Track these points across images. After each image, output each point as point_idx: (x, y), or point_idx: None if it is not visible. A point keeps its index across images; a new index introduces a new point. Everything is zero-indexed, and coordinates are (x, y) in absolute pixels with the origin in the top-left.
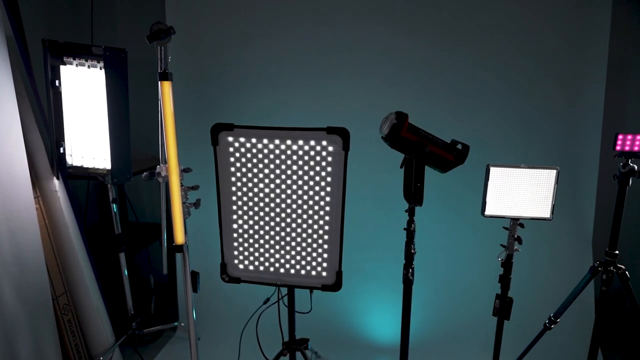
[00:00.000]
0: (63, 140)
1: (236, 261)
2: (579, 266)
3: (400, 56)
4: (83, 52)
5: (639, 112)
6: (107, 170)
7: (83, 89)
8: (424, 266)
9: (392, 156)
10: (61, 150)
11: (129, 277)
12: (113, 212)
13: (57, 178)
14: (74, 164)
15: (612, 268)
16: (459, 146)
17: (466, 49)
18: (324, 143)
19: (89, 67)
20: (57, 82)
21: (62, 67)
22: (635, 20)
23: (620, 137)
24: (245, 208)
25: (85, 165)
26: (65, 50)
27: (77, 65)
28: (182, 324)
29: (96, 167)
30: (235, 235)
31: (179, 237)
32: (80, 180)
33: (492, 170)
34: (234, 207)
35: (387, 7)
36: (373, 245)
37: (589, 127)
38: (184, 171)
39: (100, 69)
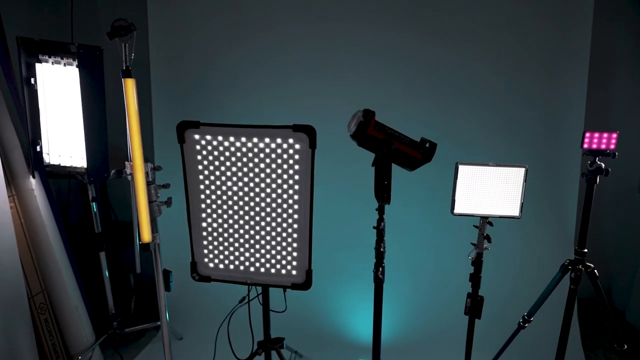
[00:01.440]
0: (40, 138)
1: (206, 260)
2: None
3: (384, 54)
4: (59, 50)
5: (621, 110)
6: (85, 169)
7: (59, 87)
8: (408, 266)
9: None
10: (38, 149)
11: (111, 276)
12: (93, 211)
13: (34, 177)
14: (52, 163)
15: (580, 267)
16: (427, 144)
17: (448, 46)
18: (291, 141)
19: (65, 65)
20: (32, 80)
21: (37, 65)
22: (618, 16)
23: (587, 134)
24: (214, 206)
25: (63, 164)
26: (40, 48)
27: (52, 63)
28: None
29: (74, 165)
30: (204, 233)
31: (146, 235)
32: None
33: (461, 168)
34: (203, 206)
35: (370, 5)
36: (357, 245)
37: (571, 124)
38: (155, 169)
39: (77, 67)
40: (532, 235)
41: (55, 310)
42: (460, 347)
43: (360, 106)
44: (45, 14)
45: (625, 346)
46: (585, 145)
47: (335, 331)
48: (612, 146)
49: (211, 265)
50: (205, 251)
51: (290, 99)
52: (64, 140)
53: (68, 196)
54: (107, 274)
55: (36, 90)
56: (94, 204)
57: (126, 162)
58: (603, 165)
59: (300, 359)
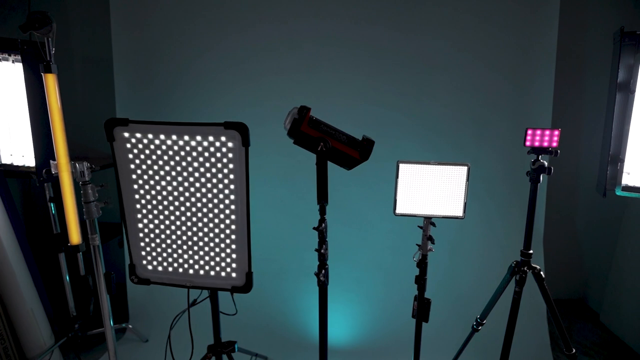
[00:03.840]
0: None
1: (144, 262)
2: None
3: (354, 51)
4: (5, 47)
5: (589, 108)
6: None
7: (7, 84)
8: (379, 266)
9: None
10: None
11: (72, 278)
12: (51, 212)
13: None
14: (3, 162)
15: (526, 268)
16: (364, 142)
17: (414, 44)
18: (223, 139)
19: (13, 62)
20: None
21: None
22: (584, 14)
23: (529, 132)
24: (149, 207)
25: (16, 163)
26: None
27: (0, 59)
28: (130, 326)
29: (27, 165)
30: (141, 235)
31: (74, 237)
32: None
33: (402, 167)
34: (138, 206)
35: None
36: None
37: (538, 123)
38: (92, 169)
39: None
40: (501, 235)
41: (9, 314)
42: (437, 349)
43: (329, 104)
44: (4, 11)
45: (574, 350)
46: (528, 143)
47: (301, 333)
48: (555, 144)
49: (150, 267)
50: (143, 253)
51: (260, 97)
52: (15, 139)
53: (22, 197)
54: (67, 274)
55: None
56: (51, 205)
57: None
58: (546, 163)
59: None
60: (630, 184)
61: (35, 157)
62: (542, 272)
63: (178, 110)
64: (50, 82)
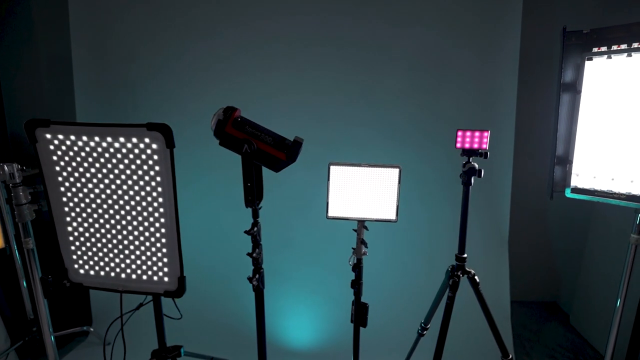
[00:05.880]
0: None
1: (76, 265)
2: (494, 266)
3: (312, 49)
4: None
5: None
6: None
7: None
8: (345, 267)
9: (311, 153)
10: None
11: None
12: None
13: None
14: None
15: (459, 273)
16: (290, 143)
17: (375, 43)
18: (147, 140)
19: None
20: None
21: None
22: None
23: (459, 133)
24: (77, 210)
25: None
26: None
27: None
28: (92, 329)
29: None
30: (71, 238)
31: None
32: None
33: (332, 169)
34: (66, 209)
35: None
36: (288, 246)
37: (502, 123)
38: (23, 170)
39: None
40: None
41: None
42: (397, 351)
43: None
44: None
45: (511, 356)
46: (458, 145)
47: (268, 335)
48: (485, 145)
49: (82, 271)
50: (75, 257)
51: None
52: None
53: None
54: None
55: None
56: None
57: None
58: (477, 165)
59: None
60: (580, 185)
61: None
62: (476, 277)
63: (143, 111)
64: None
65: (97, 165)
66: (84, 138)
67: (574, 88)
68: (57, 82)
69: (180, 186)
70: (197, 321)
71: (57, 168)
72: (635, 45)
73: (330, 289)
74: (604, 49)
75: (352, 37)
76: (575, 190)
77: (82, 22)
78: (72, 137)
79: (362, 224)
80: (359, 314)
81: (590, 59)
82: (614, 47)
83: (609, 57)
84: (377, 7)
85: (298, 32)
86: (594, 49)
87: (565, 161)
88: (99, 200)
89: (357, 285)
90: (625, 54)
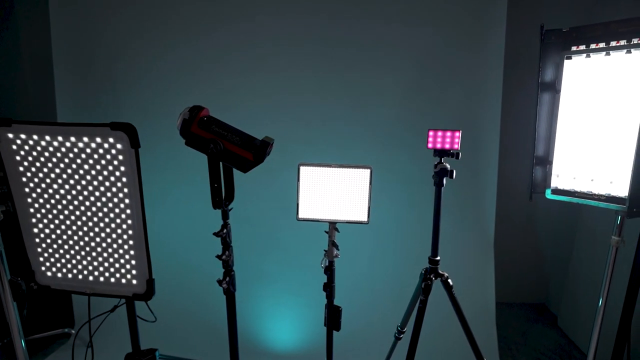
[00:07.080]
0: None
1: (43, 268)
2: (480, 269)
3: (298, 49)
4: None
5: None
6: None
7: None
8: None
9: (290, 154)
10: None
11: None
12: None
13: None
14: None
15: (432, 276)
16: (258, 143)
17: (359, 42)
18: (111, 140)
19: None
20: None
21: None
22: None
23: (431, 133)
24: (43, 211)
25: None
26: None
27: None
28: (73, 331)
29: None
30: (37, 240)
31: None
32: None
33: (302, 169)
34: (32, 210)
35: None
36: (271, 247)
37: (487, 124)
38: None
39: None
40: (452, 238)
41: None
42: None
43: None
44: None
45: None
46: (430, 145)
47: (249, 338)
48: (456, 146)
49: (49, 274)
50: (41, 259)
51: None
52: None
53: None
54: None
55: None
56: None
57: None
58: (448, 166)
59: None
60: (560, 187)
61: None
62: (449, 280)
63: (126, 111)
64: None
65: (62, 165)
66: (47, 137)
67: (554, 87)
68: (39, 81)
69: (167, 188)
70: (173, 324)
71: (21, 168)
72: (613, 43)
73: (312, 291)
74: (582, 47)
75: (336, 36)
76: (556, 191)
77: (63, 21)
78: (35, 137)
79: (333, 225)
80: (332, 318)
81: (570, 58)
82: (593, 46)
83: (588, 56)
84: (362, 6)
85: (283, 32)
86: (573, 47)
87: (545, 162)
88: (64, 201)
89: (329, 288)
90: (604, 53)
